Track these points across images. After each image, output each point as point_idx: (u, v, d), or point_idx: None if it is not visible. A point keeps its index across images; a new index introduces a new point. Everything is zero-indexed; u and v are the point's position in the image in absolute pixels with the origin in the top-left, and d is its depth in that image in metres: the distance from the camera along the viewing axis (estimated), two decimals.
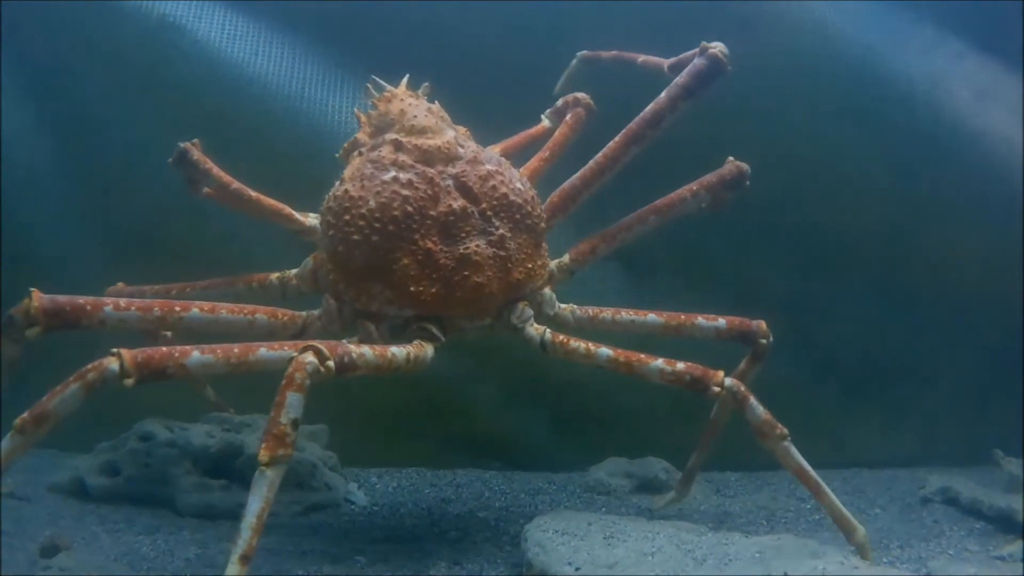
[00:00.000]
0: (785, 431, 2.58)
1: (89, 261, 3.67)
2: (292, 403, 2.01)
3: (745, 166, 2.96)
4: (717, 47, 2.74)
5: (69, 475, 3.30)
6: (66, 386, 2.04)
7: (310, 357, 2.06)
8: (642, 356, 2.56)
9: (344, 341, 2.37)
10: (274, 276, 2.84)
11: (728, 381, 2.52)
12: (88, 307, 2.32)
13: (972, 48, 3.82)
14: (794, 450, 2.61)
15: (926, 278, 3.84)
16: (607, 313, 2.78)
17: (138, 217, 3.71)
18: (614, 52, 3.31)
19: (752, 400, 2.54)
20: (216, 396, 3.48)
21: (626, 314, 2.77)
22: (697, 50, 2.78)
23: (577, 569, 2.33)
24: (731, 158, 2.98)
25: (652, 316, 2.78)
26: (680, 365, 2.53)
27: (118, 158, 3.70)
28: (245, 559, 1.96)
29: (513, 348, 3.55)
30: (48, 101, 3.77)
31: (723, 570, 2.35)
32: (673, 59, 2.99)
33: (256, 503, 2.00)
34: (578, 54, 3.43)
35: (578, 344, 2.60)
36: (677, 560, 2.39)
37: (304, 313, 2.62)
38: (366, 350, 2.29)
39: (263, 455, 1.99)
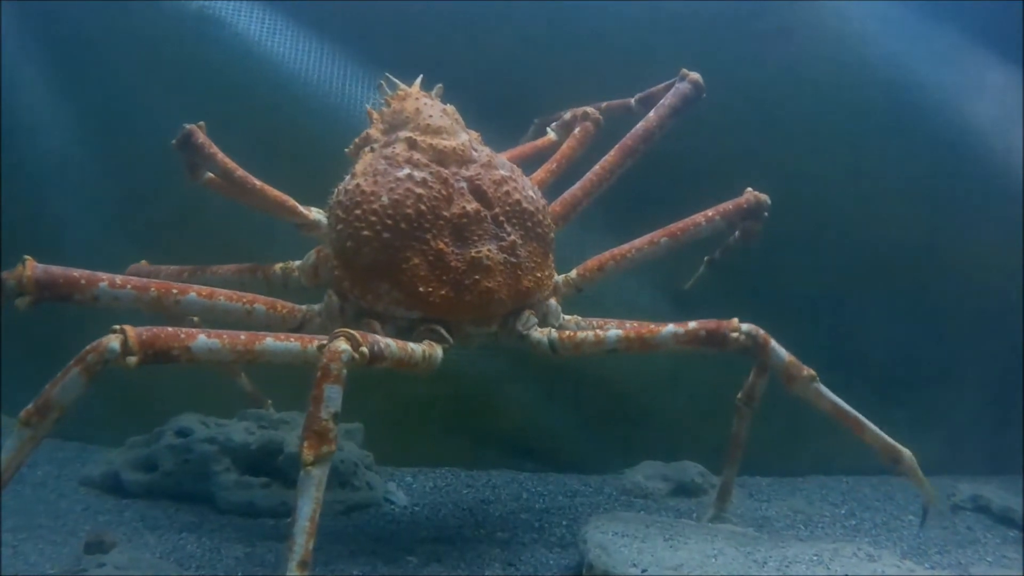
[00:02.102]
0: (813, 372, 2.53)
1: (122, 252, 3.58)
2: (331, 396, 1.95)
3: (764, 197, 2.96)
4: (695, 74, 3.03)
5: (102, 469, 3.25)
6: (66, 372, 1.99)
7: (344, 344, 1.99)
8: (651, 326, 2.52)
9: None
10: (277, 267, 2.80)
11: (746, 326, 2.44)
12: (82, 281, 2.27)
13: (1004, 57, 3.88)
14: (824, 388, 2.56)
15: (956, 286, 3.87)
16: (606, 324, 2.74)
17: (172, 209, 3.66)
18: (572, 110, 3.32)
19: (773, 343, 2.48)
20: (253, 387, 3.42)
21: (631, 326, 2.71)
22: (675, 78, 3.06)
23: (644, 571, 2.33)
24: (750, 188, 2.98)
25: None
26: (692, 324, 2.46)
27: (154, 150, 3.62)
28: (304, 564, 1.90)
29: None
30: (83, 92, 3.72)
31: (785, 571, 2.37)
32: (640, 94, 3.22)
33: (307, 505, 1.93)
34: (535, 120, 3.44)
35: (586, 334, 2.56)
36: (740, 562, 2.41)
37: (304, 307, 2.59)
38: (390, 342, 2.25)
39: (307, 454, 1.92)
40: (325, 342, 2.07)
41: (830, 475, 3.91)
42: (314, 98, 3.69)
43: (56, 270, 2.24)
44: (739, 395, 2.81)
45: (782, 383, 2.55)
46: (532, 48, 3.81)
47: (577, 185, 2.89)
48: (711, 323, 2.45)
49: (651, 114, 2.99)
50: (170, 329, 2.09)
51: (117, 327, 2.01)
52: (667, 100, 2.99)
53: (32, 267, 2.21)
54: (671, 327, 2.48)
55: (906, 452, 2.63)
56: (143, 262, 3.07)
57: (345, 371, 1.96)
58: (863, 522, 3.34)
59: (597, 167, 2.90)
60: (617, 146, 2.93)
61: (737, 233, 3.14)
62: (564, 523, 3.10)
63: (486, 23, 3.82)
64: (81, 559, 2.54)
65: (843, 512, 3.45)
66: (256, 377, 3.52)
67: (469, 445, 3.75)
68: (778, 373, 2.54)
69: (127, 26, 3.68)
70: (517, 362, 3.75)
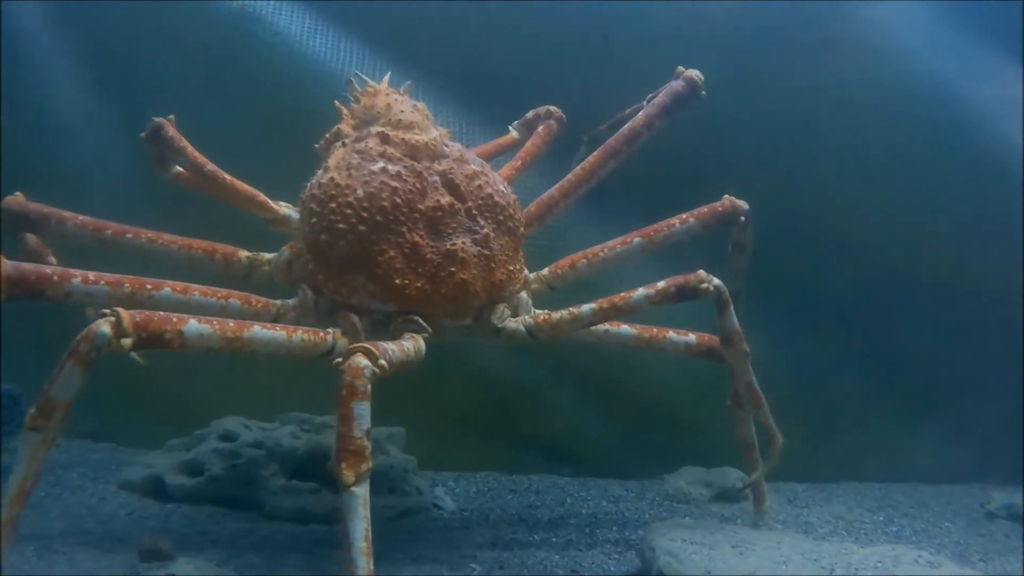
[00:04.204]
0: (747, 348, 2.69)
1: None
2: (360, 413, 1.94)
3: (741, 203, 2.92)
4: (693, 72, 2.92)
5: (143, 473, 3.19)
6: (61, 368, 1.96)
7: (364, 360, 1.99)
8: (623, 294, 2.54)
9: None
10: (243, 254, 2.72)
11: (716, 280, 2.53)
12: (55, 277, 2.22)
13: None
14: (750, 366, 2.75)
15: (989, 297, 3.93)
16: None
17: (209, 208, 3.60)
18: (607, 123, 3.30)
19: (731, 307, 2.62)
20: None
21: (601, 325, 2.75)
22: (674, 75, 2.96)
23: None
24: (727, 195, 2.95)
25: (626, 328, 2.80)
26: (661, 283, 2.52)
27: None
28: None
29: (588, 353, 3.59)
30: (120, 90, 3.67)
31: None
32: (651, 94, 3.10)
33: (359, 526, 1.93)
34: (584, 137, 3.38)
35: (561, 314, 2.58)
36: (809, 569, 2.42)
37: (278, 302, 2.57)
38: (393, 347, 2.23)
39: (347, 475, 1.91)
40: (312, 334, 2.21)
41: (862, 481, 3.96)
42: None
43: (27, 266, 2.19)
44: (728, 402, 2.93)
45: (721, 344, 2.70)
46: (571, 51, 3.82)
47: (556, 187, 2.89)
48: (679, 279, 2.52)
49: (639, 114, 2.92)
50: (162, 313, 2.08)
51: (107, 310, 1.98)
52: (658, 99, 2.92)
53: (3, 264, 2.15)
54: (642, 290, 2.52)
55: (780, 438, 2.87)
56: (19, 194, 2.70)
57: (370, 386, 1.96)
58: (903, 529, 3.37)
59: (578, 168, 2.89)
60: (601, 147, 2.89)
61: (730, 246, 3.09)
62: (614, 528, 3.11)
63: (524, 25, 3.82)
64: (137, 567, 2.50)
65: (881, 519, 3.48)
66: (292, 378, 3.50)
67: (507, 450, 3.76)
68: (722, 334, 2.66)
69: (166, 24, 3.64)
70: (556, 367, 3.76)
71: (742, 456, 3.05)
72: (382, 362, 2.03)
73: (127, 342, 1.97)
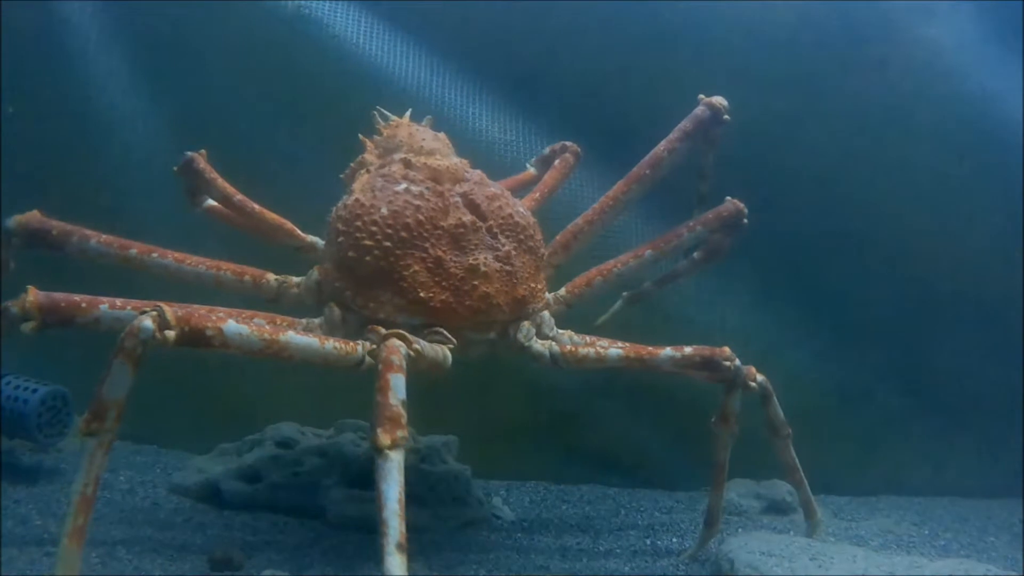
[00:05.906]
0: (735, 431, 2.82)
1: (209, 251, 3.49)
2: (396, 384, 2.02)
3: (742, 205, 3.01)
4: (716, 98, 3.00)
5: (196, 478, 3.13)
6: (110, 367, 1.96)
7: (399, 342, 2.13)
8: (650, 349, 2.64)
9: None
10: (272, 277, 2.79)
11: (738, 361, 2.65)
12: (84, 304, 2.30)
13: None
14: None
15: None
16: (603, 343, 2.77)
17: None
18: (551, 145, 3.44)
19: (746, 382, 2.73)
20: None
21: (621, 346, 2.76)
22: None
23: None
24: (729, 197, 3.03)
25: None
26: (688, 349, 2.63)
27: (244, 151, 3.55)
28: (401, 547, 1.84)
29: None
30: (174, 92, 3.65)
31: None
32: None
33: (393, 488, 1.90)
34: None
35: (588, 350, 2.66)
36: None
37: (304, 320, 2.63)
38: (425, 343, 2.32)
39: (383, 439, 1.93)
40: (344, 343, 2.30)
41: (901, 495, 4.01)
42: (412, 104, 3.65)
43: (58, 296, 2.28)
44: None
45: (717, 417, 2.80)
46: (631, 60, 3.85)
47: (581, 217, 2.96)
48: (705, 350, 2.63)
49: (662, 141, 2.97)
50: (203, 311, 2.16)
51: (146, 309, 2.00)
52: (681, 124, 3.00)
53: (34, 293, 2.26)
54: (669, 350, 2.64)
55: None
56: (36, 212, 2.65)
57: (405, 363, 2.05)
58: (949, 543, 3.40)
59: (605, 198, 2.95)
60: (625, 177, 2.95)
61: (697, 254, 3.18)
62: (674, 539, 3.12)
63: (580, 31, 3.85)
64: None
65: (926, 532, 3.52)
66: (333, 386, 3.46)
67: (556, 459, 3.75)
68: (726, 408, 2.77)
69: (221, 26, 3.63)
70: (604, 377, 3.76)
71: (786, 478, 3.12)
72: (416, 346, 2.18)
73: (171, 334, 1.99)
